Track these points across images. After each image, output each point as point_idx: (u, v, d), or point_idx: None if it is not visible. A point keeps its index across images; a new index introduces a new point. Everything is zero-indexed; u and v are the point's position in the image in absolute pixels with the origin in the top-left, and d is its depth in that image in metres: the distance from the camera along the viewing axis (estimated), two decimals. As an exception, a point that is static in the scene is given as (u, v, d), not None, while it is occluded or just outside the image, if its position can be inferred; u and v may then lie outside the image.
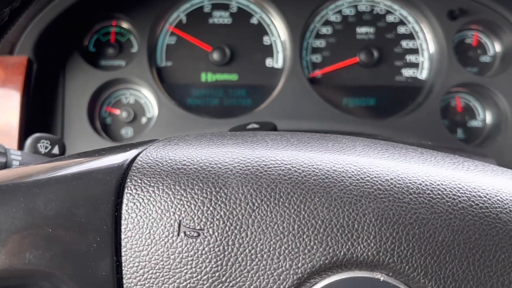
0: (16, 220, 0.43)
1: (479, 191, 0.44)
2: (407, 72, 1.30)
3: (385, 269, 0.41)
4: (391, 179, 0.44)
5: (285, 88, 1.26)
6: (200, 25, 1.29)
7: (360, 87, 1.29)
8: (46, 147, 0.71)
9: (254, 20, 1.30)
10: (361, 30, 1.30)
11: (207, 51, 1.28)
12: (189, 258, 0.42)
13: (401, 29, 1.30)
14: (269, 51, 1.30)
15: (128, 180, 0.44)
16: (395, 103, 1.28)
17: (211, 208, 0.43)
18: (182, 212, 0.43)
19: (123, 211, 0.43)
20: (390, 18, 1.30)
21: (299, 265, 0.41)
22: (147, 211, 0.43)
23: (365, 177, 0.44)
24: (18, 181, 0.46)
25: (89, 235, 0.42)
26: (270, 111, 1.24)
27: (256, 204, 0.43)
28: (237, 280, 0.41)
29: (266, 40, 1.30)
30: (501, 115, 1.25)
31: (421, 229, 0.42)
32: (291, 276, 0.41)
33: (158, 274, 0.42)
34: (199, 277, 0.42)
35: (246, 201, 0.43)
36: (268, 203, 0.43)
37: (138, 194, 0.43)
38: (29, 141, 0.71)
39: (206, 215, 0.43)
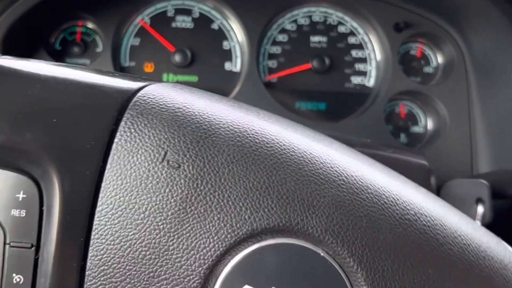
0: (28, 104, 0.45)
1: (426, 211, 0.46)
2: (355, 80, 1.31)
3: (327, 247, 0.43)
4: (356, 176, 0.46)
5: (242, 91, 1.26)
6: (163, 28, 1.28)
7: (312, 92, 1.30)
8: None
9: (214, 26, 1.30)
10: (315, 39, 1.31)
11: (169, 53, 1.27)
12: (165, 183, 0.43)
13: (352, 40, 1.32)
14: (228, 55, 1.29)
15: (132, 103, 0.45)
16: (344, 108, 1.29)
17: (196, 149, 0.44)
18: (171, 144, 0.44)
19: (121, 127, 0.44)
20: (341, 29, 1.32)
21: (257, 219, 0.43)
22: (142, 133, 0.44)
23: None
24: (36, 71, 0.47)
25: (86, 135, 0.43)
26: (227, 112, 1.24)
27: (236, 159, 0.44)
28: (199, 214, 0.42)
29: (225, 45, 1.29)
30: (441, 121, 1.28)
31: (369, 224, 0.43)
32: (248, 226, 0.42)
33: (133, 188, 0.43)
34: (168, 201, 0.42)
35: (228, 153, 0.44)
36: (246, 160, 0.44)
37: (138, 117, 0.45)
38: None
39: (190, 153, 0.43)
